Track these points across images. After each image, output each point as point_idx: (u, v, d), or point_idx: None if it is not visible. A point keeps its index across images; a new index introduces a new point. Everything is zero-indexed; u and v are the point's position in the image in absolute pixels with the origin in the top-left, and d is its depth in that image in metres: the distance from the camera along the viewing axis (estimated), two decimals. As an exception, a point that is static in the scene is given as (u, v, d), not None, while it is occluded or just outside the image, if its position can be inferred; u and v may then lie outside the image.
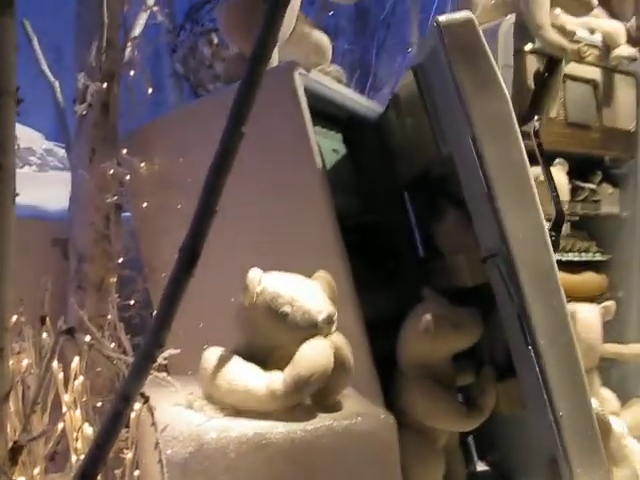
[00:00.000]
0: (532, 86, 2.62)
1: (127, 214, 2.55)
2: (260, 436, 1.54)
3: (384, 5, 4.61)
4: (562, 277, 2.06)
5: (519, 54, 2.61)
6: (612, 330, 2.65)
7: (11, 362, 1.44)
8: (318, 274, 1.78)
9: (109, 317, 2.24)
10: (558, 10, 2.70)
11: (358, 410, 1.73)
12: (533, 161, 2.22)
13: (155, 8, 2.54)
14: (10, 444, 1.48)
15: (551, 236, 2.11)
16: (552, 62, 2.64)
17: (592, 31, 2.96)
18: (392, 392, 2.18)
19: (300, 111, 2.18)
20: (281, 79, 2.18)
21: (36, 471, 1.72)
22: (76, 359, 1.84)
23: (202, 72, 3.21)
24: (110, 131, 2.38)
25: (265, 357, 1.69)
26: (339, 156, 2.55)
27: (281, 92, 2.17)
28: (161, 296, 1.30)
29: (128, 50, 2.45)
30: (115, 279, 2.38)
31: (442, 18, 2.01)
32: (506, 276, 1.95)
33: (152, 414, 1.57)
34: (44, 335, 1.82)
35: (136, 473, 1.76)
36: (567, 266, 2.64)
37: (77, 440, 1.80)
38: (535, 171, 2.24)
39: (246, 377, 1.63)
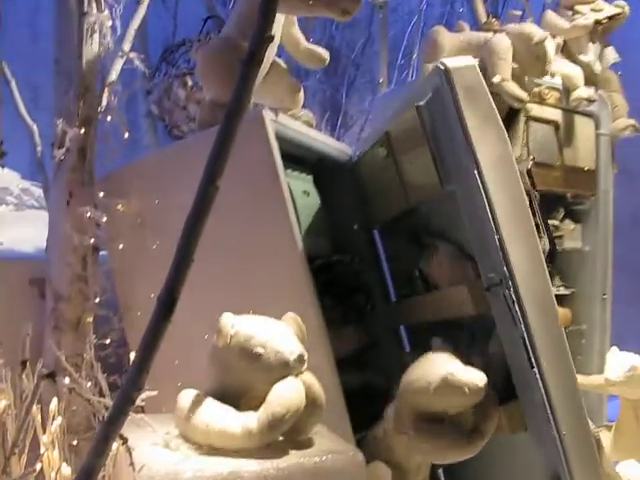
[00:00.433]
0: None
1: (104, 252, 2.60)
2: (234, 474, 1.59)
3: (354, 46, 4.73)
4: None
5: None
6: (575, 361, 2.73)
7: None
8: (288, 316, 1.85)
9: (86, 356, 2.28)
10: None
11: (328, 447, 1.79)
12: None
13: (132, 54, 2.60)
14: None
15: (547, 266, 2.25)
16: (511, 111, 2.76)
17: (552, 74, 3.08)
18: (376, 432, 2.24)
19: (272, 156, 2.26)
20: (253, 125, 2.26)
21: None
22: (54, 401, 1.89)
23: (176, 113, 3.28)
24: (87, 175, 2.44)
25: (238, 398, 1.75)
26: (310, 197, 2.63)
27: (253, 137, 2.25)
28: (140, 341, 1.37)
29: (105, 95, 2.52)
30: (92, 319, 2.43)
31: (449, 62, 2.18)
32: (511, 303, 2.09)
33: (130, 454, 1.62)
34: (24, 378, 1.86)
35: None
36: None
37: (55, 480, 1.84)
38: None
39: (221, 418, 1.69)
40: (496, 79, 2.68)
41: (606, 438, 2.75)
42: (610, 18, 3.36)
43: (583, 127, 3.22)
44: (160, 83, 3.37)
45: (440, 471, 2.70)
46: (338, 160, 2.82)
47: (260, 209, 2.31)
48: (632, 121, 3.35)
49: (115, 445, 1.69)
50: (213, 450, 1.68)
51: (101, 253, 2.58)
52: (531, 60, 2.75)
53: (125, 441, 1.66)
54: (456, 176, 2.23)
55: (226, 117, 1.35)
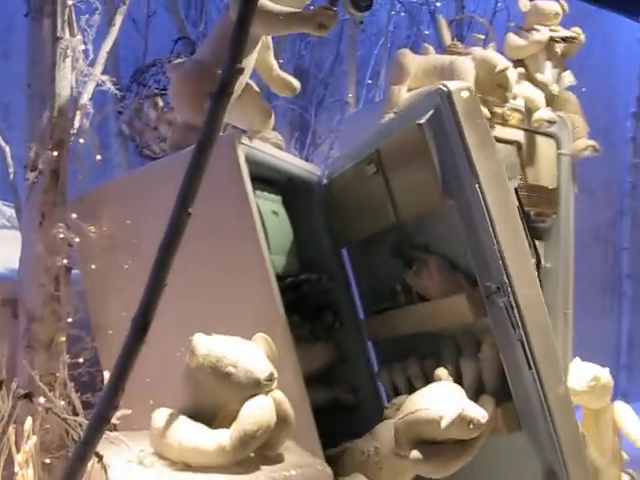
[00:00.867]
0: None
1: (76, 271, 2.63)
2: (207, 489, 1.65)
3: (322, 65, 4.80)
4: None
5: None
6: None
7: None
8: (258, 336, 1.91)
9: (59, 375, 2.31)
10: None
11: (298, 462, 1.86)
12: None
13: (104, 77, 2.64)
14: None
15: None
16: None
17: (514, 96, 3.17)
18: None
19: (241, 178, 2.32)
20: (224, 147, 2.31)
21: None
22: (29, 420, 1.92)
23: (147, 133, 3.32)
24: (60, 196, 2.47)
25: (211, 416, 1.80)
26: (279, 217, 2.69)
27: (224, 159, 2.30)
28: (115, 362, 1.42)
29: (77, 118, 2.55)
30: (64, 338, 2.45)
31: (450, 85, 2.38)
32: (509, 309, 2.28)
33: (106, 471, 1.66)
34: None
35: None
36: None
37: (30, 499, 1.87)
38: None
39: (195, 435, 1.74)
40: None
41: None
42: (564, 40, 3.47)
43: (545, 147, 3.33)
44: (131, 103, 3.41)
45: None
46: (307, 180, 2.89)
47: (230, 229, 2.36)
48: (592, 142, 3.46)
49: (90, 463, 1.72)
50: (187, 467, 1.73)
51: (73, 272, 2.61)
52: (492, 87, 2.84)
53: (100, 458, 1.70)
54: (457, 190, 2.37)
55: (197, 148, 1.42)
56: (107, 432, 1.68)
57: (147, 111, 3.35)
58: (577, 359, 3.05)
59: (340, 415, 2.73)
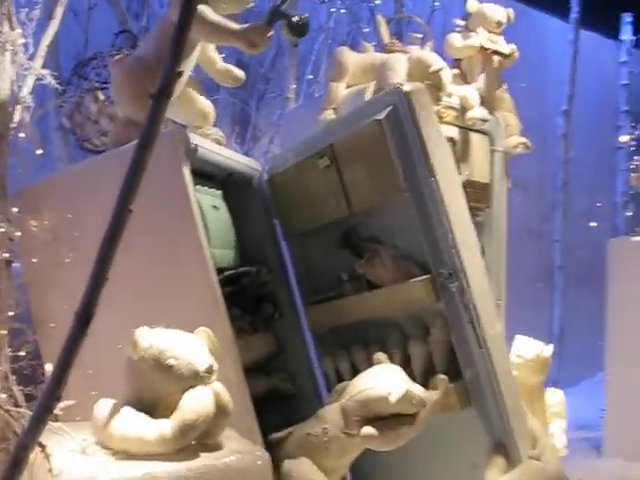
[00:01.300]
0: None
1: (17, 265, 2.64)
2: (149, 475, 1.71)
3: (263, 60, 4.84)
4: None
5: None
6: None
7: None
8: (200, 329, 1.97)
9: (0, 368, 2.33)
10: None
11: (237, 448, 1.92)
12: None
13: (44, 71, 2.64)
14: None
15: None
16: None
17: (449, 95, 3.28)
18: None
19: (182, 174, 2.36)
20: (165, 143, 2.34)
21: None
22: (-29, 412, 1.94)
23: (88, 127, 3.31)
24: (0, 190, 2.48)
25: (153, 407, 1.86)
26: (219, 211, 2.73)
27: (164, 155, 2.33)
28: (59, 354, 1.46)
29: (17, 112, 2.56)
30: (6, 332, 2.46)
31: (406, 85, 2.56)
32: (461, 293, 2.45)
33: (49, 461, 1.70)
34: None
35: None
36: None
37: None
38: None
39: (137, 425, 1.80)
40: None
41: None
42: (496, 53, 3.59)
43: (479, 144, 3.45)
44: (72, 97, 3.39)
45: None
46: (247, 175, 2.94)
47: (170, 223, 2.41)
48: (524, 139, 3.59)
49: (33, 452, 1.76)
50: (129, 455, 1.79)
51: (14, 265, 2.61)
52: (427, 86, 2.93)
53: (43, 448, 1.74)
54: (414, 183, 2.50)
55: (137, 148, 1.47)
56: (50, 422, 1.72)
57: (88, 104, 3.33)
58: (520, 336, 3.23)
59: (279, 403, 2.80)
